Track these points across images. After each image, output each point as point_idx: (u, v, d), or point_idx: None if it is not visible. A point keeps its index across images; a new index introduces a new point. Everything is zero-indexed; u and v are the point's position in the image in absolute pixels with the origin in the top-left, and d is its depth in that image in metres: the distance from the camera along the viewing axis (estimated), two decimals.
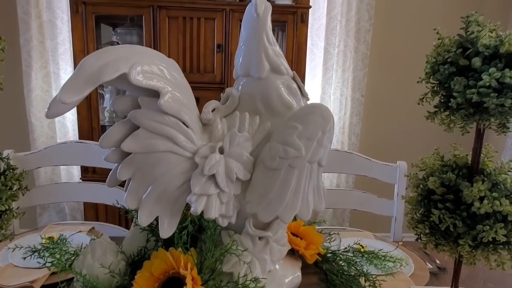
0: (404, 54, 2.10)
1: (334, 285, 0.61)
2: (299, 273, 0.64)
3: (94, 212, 1.77)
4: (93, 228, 1.19)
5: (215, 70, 1.75)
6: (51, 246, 0.79)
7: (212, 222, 0.58)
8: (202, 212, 0.52)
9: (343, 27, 1.92)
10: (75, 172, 2.05)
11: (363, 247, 0.75)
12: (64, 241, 1.06)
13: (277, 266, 0.62)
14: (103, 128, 2.11)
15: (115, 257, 0.58)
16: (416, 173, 0.70)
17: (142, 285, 0.54)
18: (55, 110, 0.42)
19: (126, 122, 0.50)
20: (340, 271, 0.65)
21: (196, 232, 0.61)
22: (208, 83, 1.74)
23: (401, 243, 1.01)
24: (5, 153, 0.68)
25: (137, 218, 0.61)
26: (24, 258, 0.67)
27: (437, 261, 1.06)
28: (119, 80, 0.46)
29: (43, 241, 1.06)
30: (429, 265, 1.05)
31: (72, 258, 0.64)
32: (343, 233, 0.98)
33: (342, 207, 1.28)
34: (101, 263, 0.56)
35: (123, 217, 1.75)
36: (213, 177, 0.52)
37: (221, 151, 0.53)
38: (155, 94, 0.49)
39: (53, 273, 0.93)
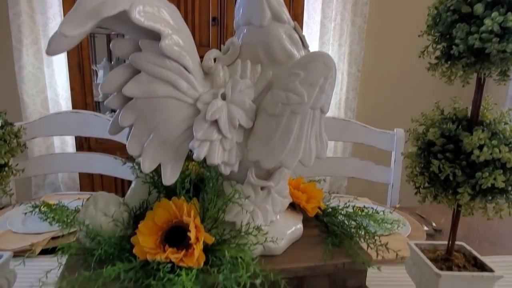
0: (402, 28, 2.09)
1: (335, 235, 0.62)
2: (300, 225, 0.64)
3: (90, 184, 1.77)
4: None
5: (210, 44, 1.73)
6: (52, 206, 0.78)
7: (214, 173, 0.58)
8: (205, 159, 0.52)
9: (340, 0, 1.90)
10: (70, 149, 2.03)
11: (361, 209, 0.76)
12: (63, 207, 1.06)
13: (278, 217, 0.62)
14: (97, 105, 2.09)
15: (117, 208, 0.58)
16: (416, 128, 0.70)
17: (146, 234, 0.54)
18: (55, 46, 0.41)
19: (127, 67, 0.50)
20: (341, 224, 0.65)
21: (198, 183, 0.61)
22: (203, 57, 1.72)
23: (398, 205, 1.03)
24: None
25: (138, 169, 0.61)
26: (25, 213, 0.66)
27: (433, 224, 1.08)
28: (119, 21, 0.45)
29: (41, 207, 1.06)
30: (425, 227, 1.07)
31: (74, 213, 0.64)
32: (340, 199, 0.99)
33: (339, 175, 1.29)
34: (104, 213, 0.56)
35: (119, 188, 1.75)
36: (215, 123, 0.52)
37: (223, 97, 0.53)
38: (155, 37, 0.48)
39: (52, 238, 0.93)
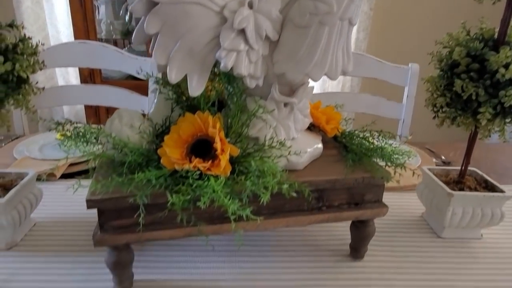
0: None
1: (355, 153, 0.63)
2: (320, 145, 0.65)
3: (96, 118, 1.77)
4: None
5: None
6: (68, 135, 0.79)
7: (238, 89, 0.58)
8: (231, 70, 0.52)
9: None
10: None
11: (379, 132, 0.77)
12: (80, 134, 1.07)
13: (299, 136, 0.63)
14: (100, 42, 2.03)
15: (142, 123, 0.58)
16: (440, 50, 0.69)
17: (171, 146, 0.55)
18: None
19: None
20: (359, 144, 0.67)
21: (221, 99, 0.61)
22: None
23: (410, 137, 1.04)
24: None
25: (162, 85, 0.61)
26: (50, 129, 0.67)
27: (442, 157, 1.10)
28: None
29: (58, 136, 1.07)
30: (435, 160, 1.09)
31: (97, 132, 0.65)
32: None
33: (349, 110, 1.29)
34: (130, 126, 0.57)
35: None
36: (242, 32, 0.51)
37: (250, 6, 0.51)
38: None
39: (71, 165, 0.95)
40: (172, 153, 0.54)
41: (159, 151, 0.55)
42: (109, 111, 1.75)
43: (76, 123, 0.69)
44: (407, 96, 1.23)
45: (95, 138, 0.64)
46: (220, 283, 0.61)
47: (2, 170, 0.72)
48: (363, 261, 0.68)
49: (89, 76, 2.12)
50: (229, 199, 0.47)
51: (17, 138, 1.15)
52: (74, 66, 1.71)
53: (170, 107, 0.61)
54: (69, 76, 2.15)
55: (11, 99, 0.59)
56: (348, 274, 0.64)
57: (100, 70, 2.25)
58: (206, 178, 0.51)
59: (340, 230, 0.75)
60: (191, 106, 0.60)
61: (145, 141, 0.57)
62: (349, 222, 0.68)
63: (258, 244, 0.71)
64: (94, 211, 0.77)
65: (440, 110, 0.71)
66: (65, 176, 0.92)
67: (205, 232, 0.56)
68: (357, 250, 0.67)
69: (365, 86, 2.02)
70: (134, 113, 0.59)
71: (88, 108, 2.08)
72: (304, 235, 0.74)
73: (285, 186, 0.49)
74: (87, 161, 0.98)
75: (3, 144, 1.08)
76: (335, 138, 0.71)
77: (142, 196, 0.49)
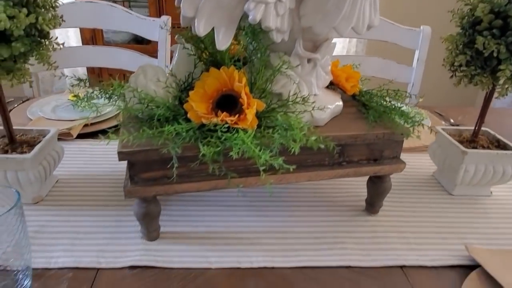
0: None
1: (375, 110, 0.64)
2: (341, 102, 0.66)
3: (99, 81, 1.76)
4: None
5: None
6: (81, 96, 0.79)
7: (262, 44, 0.58)
8: (259, 22, 0.51)
9: None
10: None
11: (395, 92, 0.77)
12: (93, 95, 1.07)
13: (321, 93, 0.64)
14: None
15: (166, 78, 0.59)
16: (461, 7, 0.69)
17: (197, 101, 0.56)
18: None
19: None
20: (378, 102, 0.67)
21: (245, 57, 0.61)
22: None
23: (421, 100, 1.05)
24: None
25: (185, 40, 0.61)
26: (72, 85, 0.67)
27: (451, 120, 1.12)
28: None
29: (70, 97, 1.07)
30: (444, 122, 1.10)
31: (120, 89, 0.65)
32: None
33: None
34: (155, 81, 0.57)
35: None
36: None
37: None
38: None
39: (85, 125, 0.96)
40: (198, 107, 0.55)
41: (185, 106, 0.56)
42: (113, 73, 1.73)
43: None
44: (418, 59, 1.22)
45: (108, 97, 0.65)
46: (242, 234, 0.64)
47: (23, 127, 0.73)
48: (378, 216, 0.70)
49: (91, 39, 2.08)
50: (260, 150, 0.49)
51: (27, 99, 1.15)
52: (80, 26, 1.68)
53: (193, 63, 0.61)
54: (70, 39, 2.12)
55: (35, 53, 0.59)
56: (365, 227, 0.67)
57: (102, 33, 2.21)
58: (235, 131, 0.52)
59: (355, 187, 0.77)
60: (214, 62, 0.60)
61: (170, 95, 0.58)
62: (365, 179, 0.70)
63: (277, 199, 0.73)
64: (113, 167, 0.78)
65: (458, 69, 0.72)
66: (79, 136, 0.93)
67: (232, 184, 0.58)
68: (372, 205, 0.70)
69: (370, 52, 2.00)
70: (158, 69, 0.59)
71: (89, 70, 2.06)
72: (321, 192, 0.76)
73: (313, 138, 0.50)
74: (102, 121, 0.98)
75: (16, 105, 1.08)
76: (353, 96, 0.72)
77: (175, 147, 0.50)
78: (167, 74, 0.60)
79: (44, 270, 0.55)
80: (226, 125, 0.53)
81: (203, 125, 0.54)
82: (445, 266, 0.60)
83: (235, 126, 0.53)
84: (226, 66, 0.57)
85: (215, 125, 0.53)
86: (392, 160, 0.65)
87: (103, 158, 0.85)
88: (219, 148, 0.50)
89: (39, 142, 0.68)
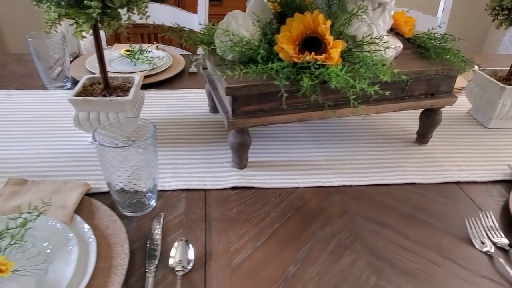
0: None
1: (434, 50, 0.72)
2: (401, 44, 0.74)
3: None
4: (156, 46, 1.25)
5: None
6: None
7: None
8: None
9: None
10: None
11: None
12: (145, 51, 1.14)
13: (385, 35, 0.72)
14: None
15: (254, 24, 0.66)
16: None
17: (284, 42, 0.64)
18: None
19: None
20: (434, 44, 0.76)
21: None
22: None
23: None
24: None
25: None
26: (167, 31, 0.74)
27: (481, 64, 1.20)
28: None
29: (123, 52, 1.13)
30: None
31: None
32: None
33: None
34: (249, 24, 0.64)
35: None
36: None
37: None
38: None
39: (145, 76, 1.03)
40: (289, 48, 0.63)
41: (275, 47, 0.64)
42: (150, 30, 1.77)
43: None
44: (443, 9, 1.29)
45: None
46: (318, 162, 0.74)
47: (112, 75, 0.80)
48: (428, 146, 0.81)
49: None
50: (354, 80, 0.57)
51: (77, 56, 1.20)
52: None
53: (267, 10, 0.68)
54: None
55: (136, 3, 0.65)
56: (419, 154, 0.78)
57: None
58: (325, 67, 0.61)
59: (404, 122, 0.87)
60: (289, 8, 0.67)
61: (260, 38, 0.65)
62: (413, 114, 0.79)
63: (339, 134, 0.83)
64: (184, 113, 0.87)
65: (500, 13, 0.80)
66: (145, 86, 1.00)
67: (317, 115, 0.67)
68: (424, 136, 0.80)
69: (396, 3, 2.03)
70: (246, 15, 0.66)
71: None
72: (374, 127, 0.86)
73: (397, 70, 0.59)
74: (157, 73, 1.05)
75: (71, 60, 1.13)
76: (407, 40, 0.80)
77: (282, 80, 0.58)
78: (254, 20, 0.67)
79: (161, 192, 0.65)
80: (318, 63, 0.61)
81: (294, 64, 0.62)
82: (493, 181, 0.71)
83: (324, 63, 0.61)
84: (309, 11, 0.65)
85: (308, 62, 0.61)
86: (446, 94, 0.74)
87: (173, 105, 0.93)
88: (316, 81, 0.59)
89: (130, 87, 0.76)
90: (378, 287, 0.50)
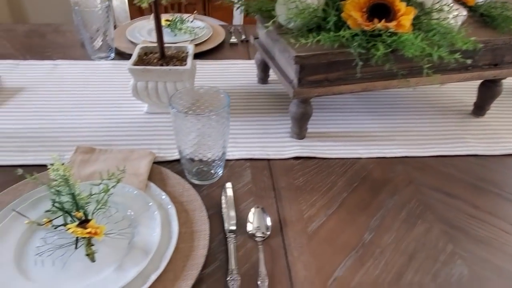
0: None
1: (503, 20, 0.70)
2: (465, 11, 0.72)
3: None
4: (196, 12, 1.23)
5: None
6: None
7: None
8: None
9: None
10: None
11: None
12: (185, 20, 1.12)
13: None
14: None
15: None
16: None
17: (352, 9, 0.62)
18: None
19: None
20: (497, 12, 0.73)
21: None
22: None
23: None
24: None
25: None
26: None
27: None
28: None
29: (163, 23, 1.12)
30: None
31: None
32: None
33: None
34: None
35: None
36: None
37: None
38: None
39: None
40: (357, 15, 0.61)
41: (343, 15, 0.62)
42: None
43: None
44: None
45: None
46: (377, 133, 0.73)
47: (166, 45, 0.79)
48: (485, 118, 0.79)
49: None
50: (432, 48, 0.56)
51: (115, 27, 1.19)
52: None
53: None
54: None
55: None
56: (476, 126, 0.77)
57: None
58: (397, 36, 0.59)
59: (459, 94, 0.86)
60: None
61: (327, 2, 0.64)
62: (470, 86, 0.78)
63: (395, 106, 0.82)
64: (232, 83, 0.86)
65: None
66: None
67: (379, 86, 0.66)
68: (481, 107, 0.79)
69: None
70: None
71: None
72: (429, 98, 0.85)
73: (473, 37, 0.57)
74: (198, 44, 1.04)
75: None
76: (469, 8, 0.77)
77: (356, 47, 0.57)
78: None
79: (225, 161, 0.65)
80: (390, 31, 0.59)
81: (364, 32, 0.61)
82: None
83: (397, 31, 0.60)
84: None
85: (380, 30, 0.60)
86: (510, 65, 0.72)
87: (219, 75, 0.92)
88: (389, 49, 0.57)
89: (185, 56, 0.75)
90: (454, 255, 0.51)
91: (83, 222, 0.46)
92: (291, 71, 0.65)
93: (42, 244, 0.48)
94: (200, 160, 0.59)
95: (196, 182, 0.61)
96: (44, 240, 0.48)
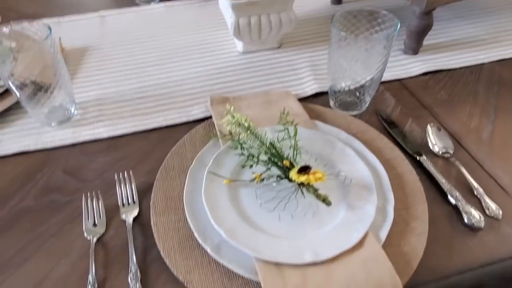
0: None
1: None
2: None
3: None
4: None
5: None
6: None
7: None
8: None
9: None
10: None
11: None
12: None
13: None
14: None
15: None
16: None
17: None
18: None
19: None
20: None
21: None
22: None
23: None
24: None
25: None
26: None
27: None
28: None
29: None
30: None
31: None
32: None
33: None
34: None
35: None
36: None
37: None
38: None
39: None
40: None
41: None
42: None
43: None
44: None
45: None
46: (477, 37, 0.73)
47: None
48: None
49: None
50: None
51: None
52: None
53: None
54: None
55: None
56: None
57: None
58: None
59: None
60: None
61: None
62: None
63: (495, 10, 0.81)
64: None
65: None
66: None
67: None
68: None
69: None
70: None
71: None
72: None
73: None
74: None
75: None
76: None
77: None
78: None
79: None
80: None
81: None
82: None
83: None
84: None
85: None
86: None
87: None
88: None
89: None
90: None
91: (304, 169, 0.43)
92: None
93: (258, 200, 0.45)
94: (355, 89, 0.56)
95: (344, 112, 0.59)
96: (258, 196, 0.45)
